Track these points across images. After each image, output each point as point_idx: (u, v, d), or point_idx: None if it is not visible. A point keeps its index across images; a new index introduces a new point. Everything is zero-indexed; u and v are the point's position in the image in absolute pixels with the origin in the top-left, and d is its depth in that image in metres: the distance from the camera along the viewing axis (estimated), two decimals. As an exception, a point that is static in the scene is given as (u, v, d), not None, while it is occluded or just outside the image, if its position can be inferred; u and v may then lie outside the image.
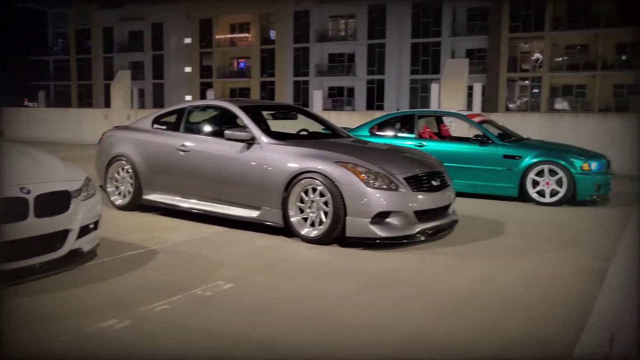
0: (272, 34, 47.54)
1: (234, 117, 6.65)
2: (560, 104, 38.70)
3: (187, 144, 6.53)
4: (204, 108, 7.65)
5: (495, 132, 8.90)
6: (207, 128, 7.09)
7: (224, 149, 6.20)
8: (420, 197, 5.53)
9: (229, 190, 6.11)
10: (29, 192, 4.10)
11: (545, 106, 38.73)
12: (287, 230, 5.71)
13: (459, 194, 7.00)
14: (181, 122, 6.88)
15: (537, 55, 39.81)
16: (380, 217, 5.30)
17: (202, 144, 6.48)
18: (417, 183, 5.59)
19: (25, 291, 4.04)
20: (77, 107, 47.61)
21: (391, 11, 42.61)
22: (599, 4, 36.99)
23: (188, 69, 50.96)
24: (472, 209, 7.39)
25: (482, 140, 8.54)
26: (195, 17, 49.43)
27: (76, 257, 4.55)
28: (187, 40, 50.66)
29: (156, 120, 7.19)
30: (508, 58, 39.72)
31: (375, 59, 43.78)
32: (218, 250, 5.33)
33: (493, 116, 12.60)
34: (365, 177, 5.33)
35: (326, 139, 6.91)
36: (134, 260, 4.91)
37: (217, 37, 49.39)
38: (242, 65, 50.24)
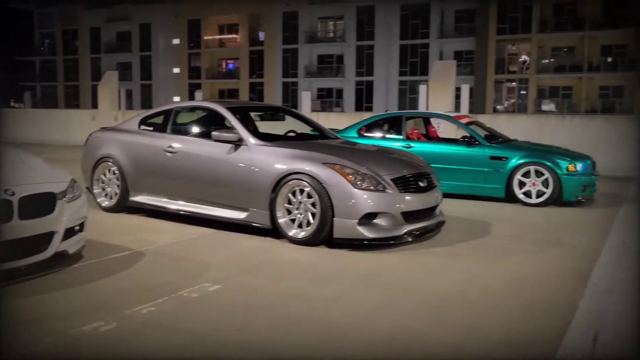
0: (261, 35, 47.48)
1: (222, 118, 6.63)
2: (547, 106, 39.00)
3: (175, 145, 6.50)
4: (192, 109, 7.63)
5: (482, 133, 8.95)
6: (195, 129, 7.07)
7: (211, 150, 6.18)
8: (407, 198, 5.55)
9: (216, 192, 6.10)
10: (13, 193, 4.07)
11: (533, 108, 39.01)
12: (274, 232, 5.70)
13: (446, 195, 7.03)
14: (168, 123, 6.85)
15: (524, 57, 40.10)
16: (367, 218, 5.32)
17: (189, 145, 6.46)
18: (405, 184, 5.61)
19: (10, 294, 4.01)
20: (64, 108, 47.30)
21: (380, 13, 42.73)
22: (584, 6, 37.33)
23: (176, 70, 50.76)
24: (459, 210, 7.43)
25: (469, 141, 8.58)
26: (184, 18, 49.25)
27: (61, 260, 4.52)
28: (176, 41, 50.45)
29: (143, 122, 7.16)
30: (495, 60, 39.96)
31: (364, 60, 43.86)
32: (205, 252, 5.32)
33: (480, 117, 12.69)
34: (353, 179, 5.34)
35: (314, 140, 6.91)
36: (120, 263, 4.88)
37: (205, 38, 49.24)
38: (230, 66, 50.14)
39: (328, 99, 45.37)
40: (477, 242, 5.94)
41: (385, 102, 42.49)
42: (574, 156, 8.33)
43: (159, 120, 7.13)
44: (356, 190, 5.30)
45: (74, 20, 52.84)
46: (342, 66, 44.88)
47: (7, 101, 51.83)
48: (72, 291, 4.14)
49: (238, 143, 6.01)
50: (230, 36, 49.28)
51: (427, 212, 5.83)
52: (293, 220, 5.57)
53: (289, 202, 5.59)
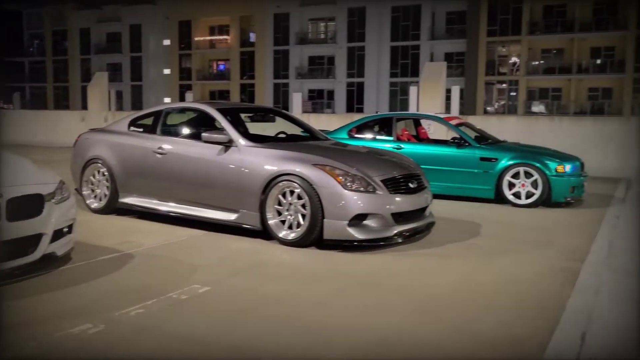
0: (252, 37, 47.44)
1: (212, 119, 6.62)
2: (537, 107, 39.22)
3: (164, 146, 6.48)
4: (182, 110, 7.61)
5: (472, 134, 8.99)
6: (185, 130, 7.05)
7: (202, 151, 6.17)
8: (397, 199, 5.56)
9: (206, 193, 6.08)
10: (0, 195, 4.04)
11: (523, 109, 39.23)
12: (265, 233, 5.70)
13: (436, 196, 7.06)
14: (158, 124, 6.83)
15: (514, 59, 40.32)
16: (357, 220, 5.32)
17: (179, 147, 6.44)
18: (395, 185, 5.62)
19: (-3, 296, 3.98)
20: (54, 109, 47.00)
21: (371, 14, 42.82)
22: (574, 9, 37.60)
23: (167, 71, 50.61)
24: (449, 211, 7.46)
25: (459, 142, 8.62)
26: (174, 19, 49.12)
27: (50, 261, 4.49)
28: (166, 42, 50.32)
29: (133, 123, 7.13)
30: (486, 61, 40.16)
31: (355, 61, 43.93)
32: (195, 254, 5.30)
33: (471, 119, 12.75)
34: (343, 180, 5.35)
35: (304, 141, 6.91)
36: (109, 264, 4.86)
37: (196, 39, 49.14)
38: (221, 67, 50.06)
39: (319, 100, 45.41)
40: (467, 242, 5.97)
41: (376, 104, 42.57)
42: (562, 157, 8.38)
43: (148, 121, 7.11)
44: (346, 191, 5.30)
45: (64, 20, 52.57)
46: (333, 67, 44.93)
47: (-4, 102, 51.41)
48: (60, 293, 4.12)
49: (228, 144, 6.00)
50: (221, 37, 49.21)
51: (417, 213, 5.85)
52: (283, 222, 5.57)
53: (279, 204, 5.58)
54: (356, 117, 11.81)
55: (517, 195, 8.17)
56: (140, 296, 4.03)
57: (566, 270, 4.93)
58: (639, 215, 7.77)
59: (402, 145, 8.84)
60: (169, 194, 6.40)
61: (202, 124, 6.96)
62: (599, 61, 38.03)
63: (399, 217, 5.54)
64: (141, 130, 7.05)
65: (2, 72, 55.53)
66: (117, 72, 50.40)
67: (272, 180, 5.57)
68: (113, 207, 6.86)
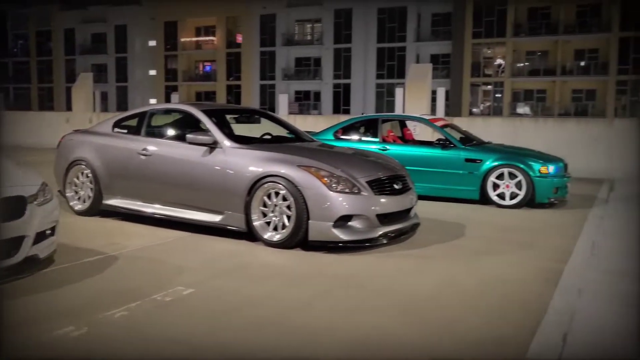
0: (238, 38, 47.33)
1: (197, 121, 6.59)
2: (522, 109, 39.55)
3: (149, 148, 6.45)
4: (167, 112, 7.57)
5: (457, 136, 9.04)
6: (169, 132, 7.01)
7: (186, 153, 6.15)
8: (382, 200, 5.57)
9: (191, 195, 6.06)
10: (-19, 197, 4.00)
11: (508, 110, 39.53)
12: (250, 235, 5.69)
13: (422, 197, 7.08)
14: (142, 126, 6.79)
15: (499, 61, 40.61)
16: (342, 221, 5.33)
17: (164, 148, 6.41)
18: (380, 186, 5.64)
19: (-22, 299, 3.94)
20: (38, 110, 46.56)
21: (357, 16, 42.92)
22: (558, 11, 37.97)
23: (153, 72, 50.34)
24: (434, 212, 7.49)
25: (444, 144, 8.67)
26: (160, 20, 48.89)
27: (32, 264, 4.45)
28: (152, 43, 50.05)
29: (117, 124, 7.09)
30: (471, 63, 40.41)
31: (342, 63, 44.02)
32: (179, 256, 5.28)
33: (456, 120, 12.82)
34: (328, 181, 5.36)
35: (289, 143, 6.91)
36: (92, 267, 4.82)
37: (182, 40, 48.94)
38: (207, 68, 49.89)
39: (306, 102, 45.42)
40: (452, 243, 6.00)
41: (362, 105, 42.68)
42: (546, 158, 8.45)
43: (133, 122, 7.06)
44: (331, 192, 5.31)
45: (48, 21, 52.08)
46: (319, 69, 44.97)
47: (-21, 103, 50.77)
48: (43, 296, 4.08)
49: (213, 146, 5.98)
50: (207, 38, 49.06)
51: (402, 214, 5.87)
52: (268, 223, 5.56)
53: (264, 205, 5.58)
54: (342, 118, 11.84)
55: (501, 196, 8.23)
56: (124, 298, 4.00)
57: (549, 270, 4.97)
58: (622, 215, 7.85)
59: (388, 147, 8.87)
60: (154, 196, 6.36)
61: (187, 126, 6.94)
62: (582, 63, 38.45)
63: (384, 218, 5.56)
64: (125, 131, 7.00)
65: (-15, 72, 54.97)
66: (102, 73, 50.07)
67: (257, 182, 5.57)
68: (97, 209, 6.81)
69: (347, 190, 5.38)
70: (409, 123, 10.25)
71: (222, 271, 4.82)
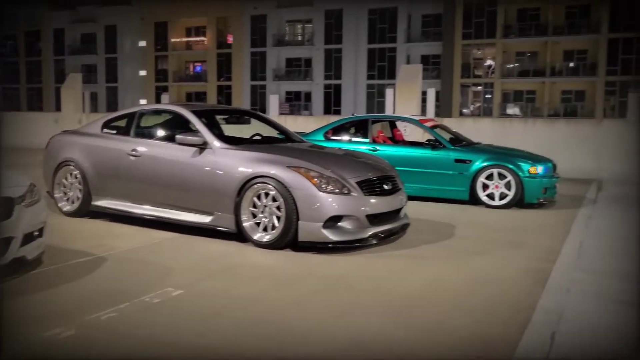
0: (229, 38, 47.24)
1: (186, 121, 6.58)
2: (512, 109, 39.75)
3: (138, 148, 6.42)
4: (156, 112, 7.54)
5: (447, 136, 9.07)
6: (159, 133, 6.99)
7: (176, 153, 6.13)
8: (372, 201, 5.58)
9: (180, 196, 6.04)
10: (-32, 198, 3.96)
11: (498, 111, 39.71)
12: (239, 236, 5.68)
13: (412, 198, 7.11)
14: (132, 126, 6.77)
15: (489, 62, 40.79)
16: (332, 221, 5.34)
17: (153, 149, 6.39)
18: (369, 187, 5.65)
19: (-35, 301, 3.91)
20: (27, 110, 46.24)
21: (348, 16, 42.96)
22: (547, 12, 38.20)
23: (143, 73, 50.12)
24: (423, 212, 7.51)
25: (434, 144, 8.69)
26: (150, 20, 48.69)
27: (20, 266, 4.41)
28: (142, 43, 49.84)
29: (106, 125, 7.06)
30: (461, 64, 40.56)
31: (332, 63, 44.04)
32: (168, 257, 5.26)
33: (446, 121, 12.86)
34: (318, 182, 5.36)
35: (279, 143, 6.91)
36: (81, 268, 4.80)
37: (172, 40, 48.77)
38: (198, 69, 49.75)
39: (297, 102, 45.40)
40: (441, 244, 6.02)
41: (353, 106, 42.72)
42: (535, 159, 8.50)
43: (122, 123, 7.03)
44: (321, 193, 5.31)
45: (37, 21, 51.72)
46: (310, 69, 44.96)
47: (-33, 104, 50.41)
48: (30, 298, 4.05)
49: (202, 146, 5.97)
50: (197, 39, 48.92)
51: (392, 215, 5.88)
52: (258, 224, 5.56)
53: (254, 206, 5.57)
54: (333, 119, 11.84)
55: (491, 196, 8.27)
56: (112, 300, 3.99)
57: (538, 270, 5.00)
58: (610, 216, 7.91)
59: (378, 147, 8.88)
60: (143, 197, 6.34)
61: (176, 126, 6.92)
62: (572, 64, 38.70)
63: (374, 219, 5.57)
64: (114, 132, 6.98)
65: (-27, 73, 54.53)
66: (91, 73, 49.80)
67: (247, 183, 5.56)
68: (86, 210, 6.78)
69: (336, 190, 5.38)
70: (399, 124, 10.27)
71: (212, 272, 4.81)
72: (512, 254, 5.67)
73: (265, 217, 5.51)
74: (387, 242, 5.80)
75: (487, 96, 41.06)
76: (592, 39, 37.14)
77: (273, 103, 20.01)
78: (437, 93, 34.01)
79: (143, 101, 47.36)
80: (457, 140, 9.09)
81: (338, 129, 9.55)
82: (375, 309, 3.99)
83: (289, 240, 5.38)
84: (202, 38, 48.58)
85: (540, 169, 8.23)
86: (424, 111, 16.41)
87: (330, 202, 5.32)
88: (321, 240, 5.31)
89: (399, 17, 41.72)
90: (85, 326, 3.54)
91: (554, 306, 4.04)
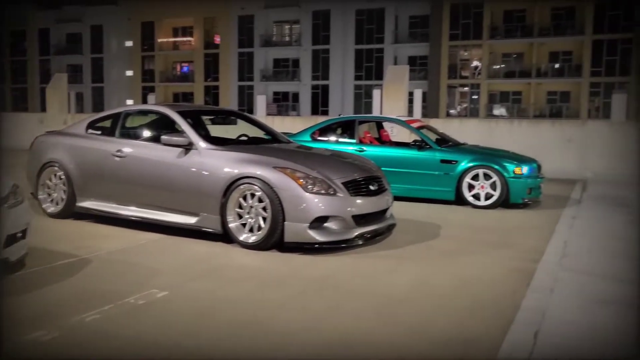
0: (216, 38, 47.10)
1: (172, 122, 6.55)
2: (498, 110, 40.02)
3: (123, 149, 6.39)
4: (141, 113, 7.51)
5: (434, 137, 9.12)
6: (144, 133, 6.96)
7: (161, 154, 6.10)
8: (358, 201, 5.60)
9: (166, 197, 6.02)
10: (-50, 200, 3.92)
11: (484, 112, 39.96)
12: (225, 237, 5.67)
13: (398, 198, 7.13)
14: (117, 127, 6.73)
15: (475, 63, 41.04)
16: (318, 222, 5.34)
17: (138, 150, 6.36)
18: (355, 188, 5.66)
19: (-54, 304, 3.86)
20: (12, 111, 45.78)
21: (335, 17, 43.02)
22: (533, 14, 38.51)
23: (129, 73, 49.83)
24: (410, 213, 7.54)
25: (420, 145, 8.73)
26: (137, 20, 48.42)
27: (2, 267, 4.37)
28: (129, 44, 49.55)
29: (91, 125, 7.01)
30: (448, 65, 40.78)
31: (320, 64, 44.07)
32: (154, 258, 5.24)
33: (433, 122, 12.91)
34: (304, 182, 5.36)
35: (266, 144, 6.90)
36: (65, 270, 4.76)
37: (159, 40, 48.53)
38: (185, 69, 49.54)
39: (284, 103, 45.38)
40: (427, 244, 6.05)
41: (340, 106, 42.77)
42: (520, 159, 8.56)
43: (107, 124, 6.99)
44: (307, 194, 5.32)
45: (22, 20, 51.23)
46: (298, 70, 44.96)
47: (-50, 104, 49.81)
48: (13, 300, 4.01)
49: (188, 147, 5.94)
50: (184, 39, 48.72)
51: (378, 215, 5.89)
52: (244, 225, 5.55)
53: (240, 207, 5.56)
54: (320, 119, 11.84)
55: (476, 196, 8.32)
56: (97, 302, 3.96)
57: (522, 270, 5.04)
58: (594, 216, 7.98)
59: (365, 148, 8.90)
60: (128, 198, 6.30)
61: (162, 127, 6.89)
62: (557, 65, 39.04)
63: (360, 219, 5.58)
64: (99, 132, 6.93)
65: (-44, 72, 53.87)
66: (77, 73, 49.45)
67: (233, 183, 5.55)
68: (70, 212, 6.73)
69: (322, 191, 5.38)
70: (386, 124, 10.30)
71: (197, 273, 4.79)
72: (497, 253, 5.70)
73: (251, 218, 5.50)
74: (373, 243, 5.82)
75: (473, 97, 41.30)
76: (577, 40, 37.52)
77: (260, 104, 19.99)
78: (424, 94, 34.22)
79: (129, 101, 47.09)
80: (444, 141, 9.13)
81: (325, 130, 9.56)
82: (361, 310, 4.00)
83: (275, 241, 5.38)
84: (189, 38, 48.40)
85: (525, 169, 8.29)
86: (411, 112, 16.46)
87: (316, 203, 5.32)
88: (307, 240, 5.32)
89: (387, 18, 41.85)
90: (69, 328, 3.52)
91: (537, 306, 4.07)
